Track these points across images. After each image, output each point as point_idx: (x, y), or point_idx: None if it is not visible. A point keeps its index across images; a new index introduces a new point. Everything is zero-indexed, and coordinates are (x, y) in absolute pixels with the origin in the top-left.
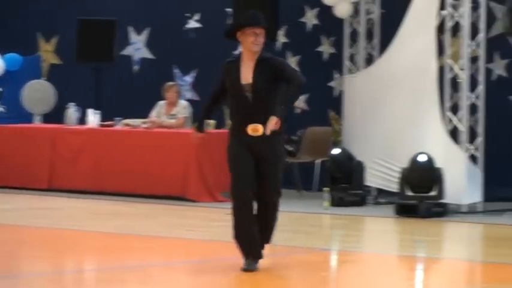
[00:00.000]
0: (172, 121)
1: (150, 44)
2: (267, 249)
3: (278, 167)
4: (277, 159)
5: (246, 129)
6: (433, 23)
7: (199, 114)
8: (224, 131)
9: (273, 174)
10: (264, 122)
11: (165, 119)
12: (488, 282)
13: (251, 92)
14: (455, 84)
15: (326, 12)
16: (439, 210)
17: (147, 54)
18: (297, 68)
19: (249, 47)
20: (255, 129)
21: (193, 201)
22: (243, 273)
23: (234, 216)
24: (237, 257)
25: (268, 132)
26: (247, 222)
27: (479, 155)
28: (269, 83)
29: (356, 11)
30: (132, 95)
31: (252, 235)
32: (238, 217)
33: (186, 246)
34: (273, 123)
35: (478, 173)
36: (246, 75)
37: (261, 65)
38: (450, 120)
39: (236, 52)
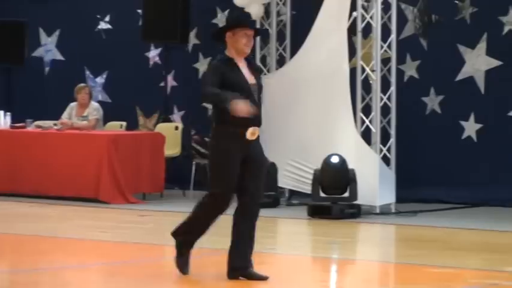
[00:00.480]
0: (84, 122)
1: (61, 46)
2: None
3: (264, 169)
4: (264, 160)
5: (246, 132)
6: (345, 24)
7: (220, 97)
8: (137, 132)
9: (262, 177)
10: (260, 125)
11: (76, 120)
12: (401, 284)
13: (257, 93)
14: (367, 85)
15: None
16: (352, 212)
17: (58, 56)
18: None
19: (241, 49)
20: (253, 133)
21: (106, 203)
22: (157, 274)
23: (202, 211)
24: (149, 259)
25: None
26: (210, 224)
27: (392, 156)
28: (260, 84)
29: (267, 13)
30: (43, 97)
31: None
32: (209, 215)
33: (100, 248)
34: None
35: (390, 174)
36: (249, 76)
37: (253, 66)
38: (362, 122)
39: (150, 54)
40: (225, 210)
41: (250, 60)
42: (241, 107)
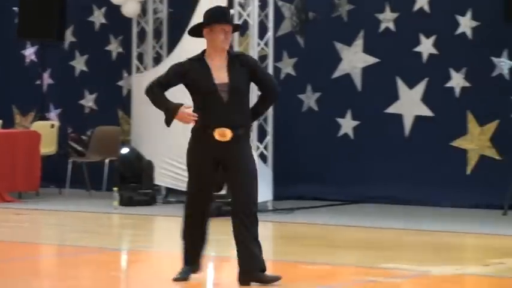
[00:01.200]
0: None
1: None
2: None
3: (249, 173)
4: (248, 163)
5: (213, 133)
6: None
7: (159, 101)
8: (12, 131)
9: (245, 182)
10: (238, 125)
11: None
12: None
13: (227, 92)
14: None
15: (114, 12)
16: (229, 209)
17: None
18: (86, 68)
19: (219, 45)
20: (222, 134)
21: None
22: (35, 272)
23: (183, 213)
24: (26, 257)
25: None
26: (194, 237)
27: (269, 153)
28: (245, 82)
29: (144, 10)
30: None
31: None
32: (187, 216)
33: None
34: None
35: (267, 171)
36: (220, 74)
37: (236, 63)
38: None
39: (26, 52)
40: (201, 211)
41: (237, 55)
42: (180, 116)
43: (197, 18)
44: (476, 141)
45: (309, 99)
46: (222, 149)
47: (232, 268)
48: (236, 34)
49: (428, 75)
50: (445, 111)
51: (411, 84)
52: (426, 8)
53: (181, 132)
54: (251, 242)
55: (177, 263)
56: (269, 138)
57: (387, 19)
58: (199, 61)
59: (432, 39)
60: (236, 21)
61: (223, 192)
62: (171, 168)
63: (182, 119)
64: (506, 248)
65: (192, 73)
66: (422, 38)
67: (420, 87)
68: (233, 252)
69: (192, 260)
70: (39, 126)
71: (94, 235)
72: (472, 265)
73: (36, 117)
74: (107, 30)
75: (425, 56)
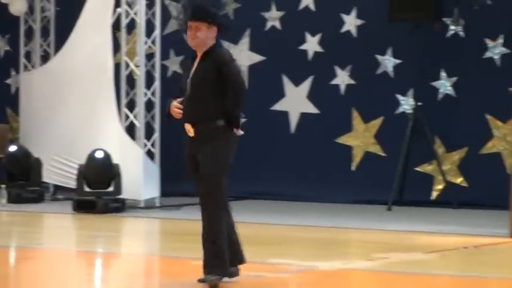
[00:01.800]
0: None
1: None
2: None
3: (208, 171)
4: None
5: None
6: (109, 20)
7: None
8: None
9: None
10: (197, 120)
11: None
12: (166, 276)
13: (189, 86)
14: (131, 80)
15: (1, 10)
16: (117, 206)
17: None
18: None
19: (189, 42)
20: (188, 130)
21: None
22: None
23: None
24: None
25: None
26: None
27: (156, 150)
28: (209, 77)
29: (31, 9)
30: None
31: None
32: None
33: None
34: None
35: (155, 168)
36: (193, 71)
37: (205, 59)
38: (127, 117)
39: None
40: None
41: (210, 51)
42: (171, 110)
43: (84, 16)
44: (361, 137)
45: None
46: (196, 147)
47: (121, 265)
48: (123, 32)
49: (313, 73)
50: (330, 108)
51: (297, 82)
52: (311, 6)
53: (69, 130)
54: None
55: (66, 260)
56: (156, 136)
57: (273, 17)
58: (192, 59)
59: (317, 37)
60: (123, 20)
61: (110, 188)
62: (59, 166)
63: (172, 114)
64: (390, 243)
65: (184, 70)
66: (307, 36)
67: (306, 85)
68: (122, 248)
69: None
70: None
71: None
72: (357, 260)
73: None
74: None
75: (310, 54)
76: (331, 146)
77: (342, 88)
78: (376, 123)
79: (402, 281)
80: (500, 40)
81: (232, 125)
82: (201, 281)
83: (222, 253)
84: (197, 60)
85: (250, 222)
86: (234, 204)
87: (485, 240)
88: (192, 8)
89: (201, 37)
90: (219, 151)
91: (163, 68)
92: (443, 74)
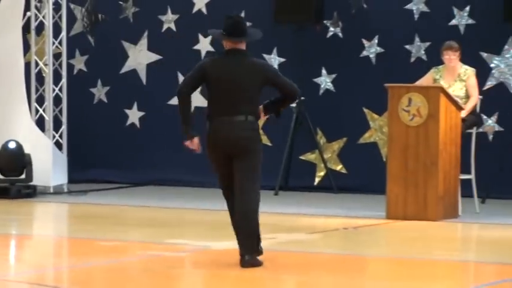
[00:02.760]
0: None
1: None
2: None
3: None
4: None
5: None
6: (19, 23)
7: None
8: None
9: None
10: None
11: None
12: (74, 256)
13: None
14: (40, 78)
15: None
16: (29, 192)
17: None
18: None
19: None
20: None
21: None
22: None
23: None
24: None
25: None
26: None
27: (64, 141)
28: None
29: None
30: None
31: None
32: None
33: None
34: None
35: (63, 157)
36: None
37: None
38: (37, 111)
39: None
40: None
41: None
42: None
43: None
44: None
45: (100, 92)
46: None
47: (34, 246)
48: (33, 34)
49: None
50: None
51: None
52: (204, 10)
53: None
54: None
55: None
56: (64, 128)
57: (169, 20)
58: None
59: (209, 38)
60: (33, 22)
61: (23, 176)
62: None
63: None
64: (277, 225)
65: None
66: (200, 37)
67: None
68: (34, 230)
69: None
70: None
71: None
72: None
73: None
74: None
75: (203, 54)
76: None
77: None
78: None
79: (288, 258)
80: (376, 40)
81: None
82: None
83: None
84: None
85: (149, 206)
86: (134, 190)
87: (363, 222)
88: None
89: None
90: None
91: (70, 66)
92: (323, 71)
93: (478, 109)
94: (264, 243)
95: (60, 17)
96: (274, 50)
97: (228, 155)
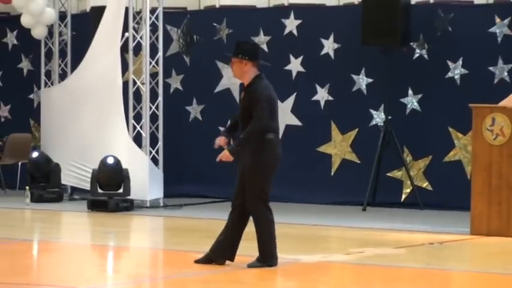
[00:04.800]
0: None
1: None
2: None
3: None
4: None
5: None
6: (118, 43)
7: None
8: None
9: None
10: None
11: None
12: (170, 267)
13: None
14: (138, 96)
15: (25, 34)
16: (126, 205)
17: None
18: (0, 83)
19: None
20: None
21: None
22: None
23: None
24: None
25: (218, 159)
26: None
27: (160, 157)
28: (244, 110)
29: (50, 33)
30: None
31: None
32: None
33: None
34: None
35: (159, 173)
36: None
37: (246, 92)
38: (134, 128)
39: None
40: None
41: (249, 87)
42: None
43: (97, 40)
44: (338, 147)
45: (195, 110)
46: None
47: (130, 257)
48: (131, 54)
49: (296, 90)
50: (311, 121)
51: (282, 98)
52: (295, 32)
53: (84, 139)
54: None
55: (82, 252)
56: (160, 144)
57: (261, 41)
58: (241, 85)
59: (300, 59)
60: (131, 43)
61: (120, 190)
62: (76, 170)
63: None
64: (365, 239)
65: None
66: (291, 58)
67: (290, 100)
68: (131, 242)
69: None
70: None
71: (9, 227)
72: (335, 254)
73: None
74: (19, 50)
75: (294, 74)
76: (313, 154)
77: (322, 103)
78: (352, 134)
79: (375, 272)
80: (460, 62)
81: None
82: None
83: None
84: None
85: None
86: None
87: (448, 237)
88: (236, 46)
89: (235, 71)
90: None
91: (166, 85)
92: (410, 92)
93: None
94: (352, 257)
95: (157, 38)
96: (362, 71)
97: None
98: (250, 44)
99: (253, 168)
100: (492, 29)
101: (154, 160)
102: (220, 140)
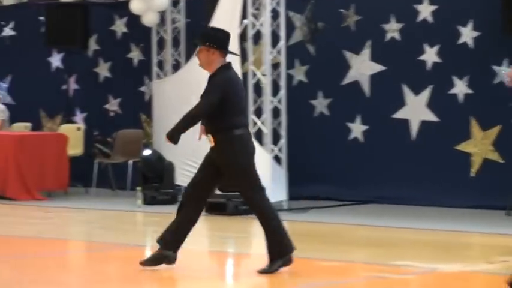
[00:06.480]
0: None
1: None
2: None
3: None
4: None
5: None
6: (236, 31)
7: None
8: (41, 133)
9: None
10: (209, 133)
11: None
12: (294, 276)
13: None
14: (258, 89)
15: (135, 21)
16: (246, 208)
17: None
18: (109, 74)
19: None
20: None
21: (13, 199)
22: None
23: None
24: (57, 252)
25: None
26: None
27: (283, 155)
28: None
29: (163, 20)
30: None
31: None
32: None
33: (8, 242)
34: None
35: (282, 172)
36: None
37: (209, 81)
38: (254, 123)
39: (52, 59)
40: None
41: (212, 75)
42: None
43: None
44: (479, 145)
45: (321, 104)
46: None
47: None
48: (250, 43)
49: (432, 83)
50: (449, 116)
51: (417, 91)
52: (429, 19)
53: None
54: None
55: (198, 259)
56: (283, 142)
57: (393, 29)
58: None
59: (436, 48)
60: (250, 30)
61: None
62: (191, 169)
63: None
64: (509, 247)
65: None
66: (426, 47)
67: (425, 94)
68: (252, 249)
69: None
70: (66, 129)
71: (120, 232)
72: (477, 263)
73: (63, 120)
74: (129, 39)
75: (429, 64)
76: (451, 153)
77: (461, 97)
78: (494, 131)
79: None
80: None
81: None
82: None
83: None
84: None
85: (373, 225)
86: (357, 207)
87: None
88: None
89: (202, 59)
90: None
91: (289, 77)
92: None
93: None
94: (495, 267)
95: (278, 25)
96: (505, 62)
97: None
98: (219, 31)
99: (231, 171)
100: None
101: (277, 159)
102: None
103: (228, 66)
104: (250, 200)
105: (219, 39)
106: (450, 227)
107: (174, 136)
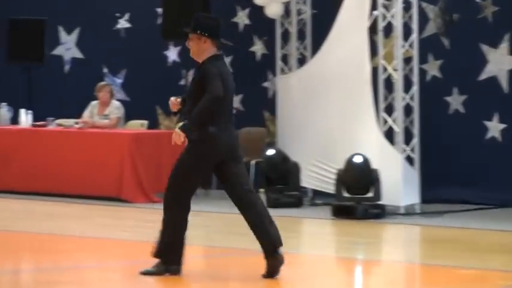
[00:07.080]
0: (106, 121)
1: (80, 44)
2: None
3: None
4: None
5: None
6: (365, 23)
7: None
8: (158, 131)
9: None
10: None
11: (97, 119)
12: (426, 285)
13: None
14: (389, 84)
15: (258, 12)
16: (376, 212)
17: (78, 54)
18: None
19: None
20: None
21: (128, 202)
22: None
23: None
24: None
25: (172, 142)
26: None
27: (415, 156)
28: (195, 90)
29: (287, 12)
30: (63, 95)
31: None
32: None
33: (121, 247)
34: (174, 136)
35: (414, 174)
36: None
37: (197, 71)
38: (385, 121)
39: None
40: None
41: (201, 64)
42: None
43: (341, 19)
44: None
45: (456, 101)
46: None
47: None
48: (380, 36)
49: None
50: None
51: None
52: None
53: (327, 134)
54: None
55: (324, 266)
56: (416, 141)
57: None
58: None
59: None
60: (380, 23)
61: (370, 194)
62: (318, 170)
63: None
64: None
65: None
66: None
67: None
68: (382, 255)
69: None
70: None
71: (240, 236)
72: None
73: (180, 118)
74: (251, 31)
75: None
76: None
77: None
78: None
79: None
80: None
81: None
82: None
83: None
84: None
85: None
86: (495, 212)
87: None
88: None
89: (193, 48)
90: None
91: (422, 72)
92: None
93: None
94: None
95: (410, 17)
96: None
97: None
98: (211, 19)
99: (184, 157)
100: None
101: (409, 159)
102: (171, 102)
103: (218, 57)
104: (165, 200)
105: (211, 27)
106: None
107: (188, 131)
